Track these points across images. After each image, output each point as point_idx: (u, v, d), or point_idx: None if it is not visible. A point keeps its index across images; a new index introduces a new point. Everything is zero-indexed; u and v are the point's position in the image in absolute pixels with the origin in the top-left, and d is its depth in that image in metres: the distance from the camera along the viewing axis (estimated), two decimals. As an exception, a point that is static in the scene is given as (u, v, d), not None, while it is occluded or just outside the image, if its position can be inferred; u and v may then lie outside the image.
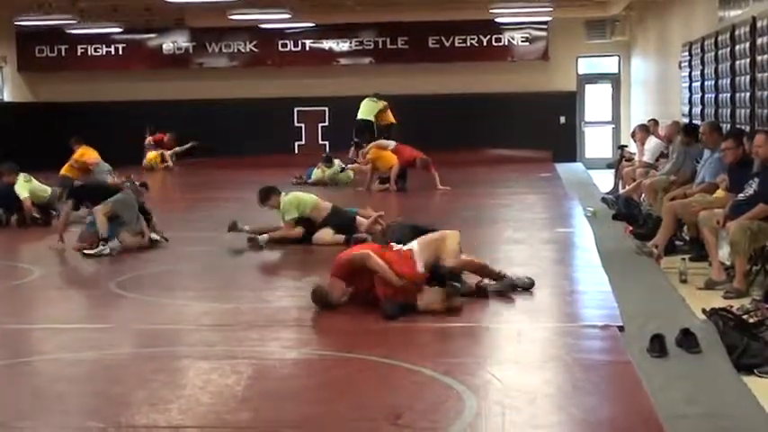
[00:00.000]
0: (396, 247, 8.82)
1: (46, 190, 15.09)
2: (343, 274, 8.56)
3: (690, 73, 16.71)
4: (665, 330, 7.18)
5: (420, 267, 8.54)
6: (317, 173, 20.79)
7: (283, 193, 12.76)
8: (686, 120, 16.72)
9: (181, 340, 7.85)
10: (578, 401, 5.89)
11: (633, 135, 18.08)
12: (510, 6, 22.45)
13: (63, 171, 19.23)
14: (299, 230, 12.39)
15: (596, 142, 26.71)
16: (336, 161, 21.01)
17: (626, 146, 20.20)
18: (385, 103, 22.55)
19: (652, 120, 18.26)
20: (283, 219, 12.46)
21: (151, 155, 25.39)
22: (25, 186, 14.71)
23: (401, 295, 8.29)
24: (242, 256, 11.93)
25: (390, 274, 8.34)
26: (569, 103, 26.49)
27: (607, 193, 17.04)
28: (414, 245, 8.78)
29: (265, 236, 12.33)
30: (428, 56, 26.31)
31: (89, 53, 27.23)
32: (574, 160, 25.94)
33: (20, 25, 24.32)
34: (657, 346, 6.91)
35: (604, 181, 19.79)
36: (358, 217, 12.54)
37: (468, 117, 25.77)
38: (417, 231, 9.28)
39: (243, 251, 12.07)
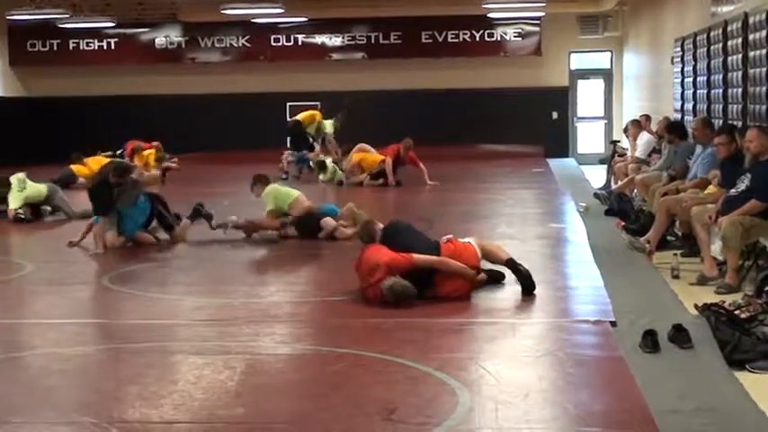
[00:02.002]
0: (452, 238, 9.16)
1: (41, 191, 15.00)
2: (396, 273, 8.52)
3: (682, 68, 16.72)
4: (658, 326, 7.20)
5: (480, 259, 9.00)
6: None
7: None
8: (678, 115, 16.75)
9: (173, 335, 7.84)
10: (571, 397, 5.91)
11: (625, 130, 18.11)
12: (503, 1, 22.46)
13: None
14: (276, 223, 12.42)
15: (588, 138, 26.75)
16: (328, 161, 20.86)
17: (618, 141, 20.24)
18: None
19: (644, 115, 18.28)
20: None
21: (146, 153, 25.01)
22: (18, 197, 14.61)
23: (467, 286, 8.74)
24: (234, 251, 11.92)
25: (467, 270, 8.74)
26: (562, 99, 26.51)
27: (599, 189, 17.06)
28: (471, 240, 9.20)
29: (234, 217, 12.53)
30: (421, 51, 26.30)
31: (81, 47, 27.18)
32: (566, 156, 25.97)
33: (12, 19, 24.23)
34: (650, 341, 6.92)
35: (597, 176, 19.80)
36: (324, 219, 12.45)
37: (460, 112, 25.79)
38: (413, 232, 9.37)
39: (235, 246, 12.06)
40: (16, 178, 14.79)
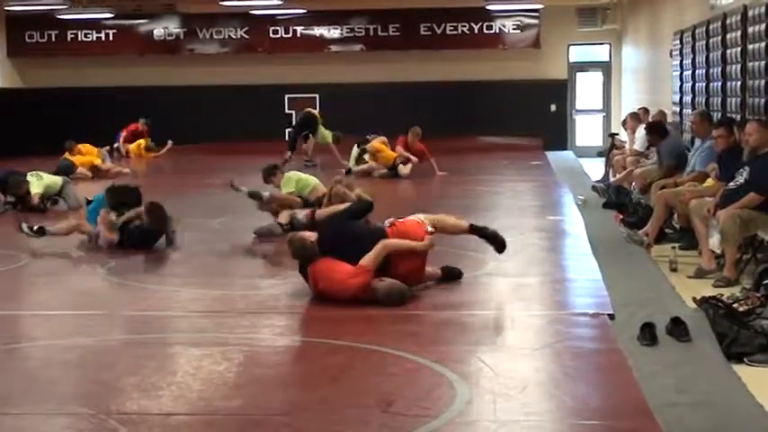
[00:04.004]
0: (394, 220, 9.00)
1: (57, 182, 15.25)
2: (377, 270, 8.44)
3: (681, 61, 16.70)
4: (656, 319, 7.21)
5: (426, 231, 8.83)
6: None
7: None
8: (677, 108, 16.75)
9: (171, 327, 7.85)
10: (569, 389, 5.91)
11: (624, 123, 18.09)
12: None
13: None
14: (298, 199, 12.49)
15: (587, 130, 26.73)
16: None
17: (617, 134, 20.23)
18: None
19: (642, 108, 18.27)
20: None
21: (134, 145, 25.15)
22: (39, 184, 14.84)
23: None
24: (232, 242, 11.91)
25: (416, 245, 8.63)
26: (560, 91, 26.49)
27: (598, 182, 17.05)
28: (419, 216, 9.05)
29: (267, 193, 12.55)
30: (419, 43, 26.26)
31: (79, 38, 27.13)
32: (564, 148, 25.96)
33: (10, 10, 24.22)
34: (648, 334, 6.93)
35: (595, 169, 19.81)
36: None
37: (458, 105, 25.76)
38: (353, 232, 9.10)
39: (233, 238, 12.06)
40: (30, 174, 15.00)
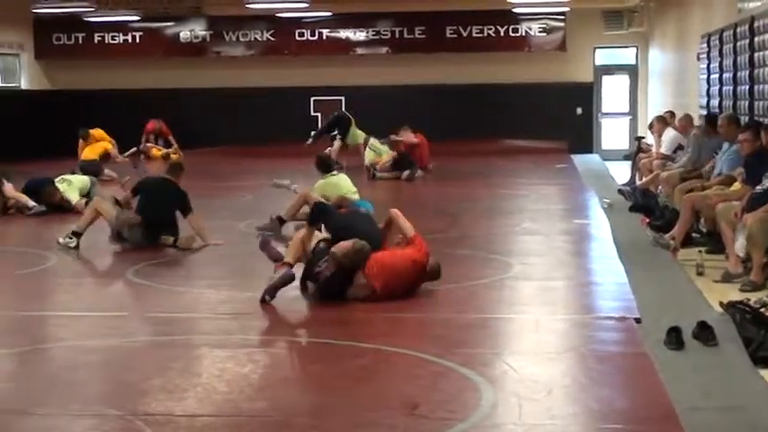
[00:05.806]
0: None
1: (86, 182, 15.32)
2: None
3: (708, 65, 16.63)
4: (682, 323, 7.17)
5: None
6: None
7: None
8: (704, 112, 16.67)
9: (197, 328, 7.87)
10: (594, 393, 5.89)
11: (650, 127, 18.03)
12: (527, -3, 22.44)
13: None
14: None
15: (613, 134, 26.63)
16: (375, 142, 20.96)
17: (643, 137, 20.16)
18: None
19: (669, 111, 18.20)
20: None
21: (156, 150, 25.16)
22: (73, 189, 14.87)
23: None
24: (258, 245, 11.90)
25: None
26: (586, 94, 26.40)
27: (624, 185, 16.99)
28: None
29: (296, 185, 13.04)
30: (445, 46, 26.26)
31: (106, 41, 27.26)
32: (590, 151, 25.87)
33: (37, 13, 24.36)
34: (674, 338, 6.90)
35: (621, 172, 19.74)
36: None
37: (484, 107, 25.72)
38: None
39: (258, 240, 12.06)
40: (58, 181, 15.00)
